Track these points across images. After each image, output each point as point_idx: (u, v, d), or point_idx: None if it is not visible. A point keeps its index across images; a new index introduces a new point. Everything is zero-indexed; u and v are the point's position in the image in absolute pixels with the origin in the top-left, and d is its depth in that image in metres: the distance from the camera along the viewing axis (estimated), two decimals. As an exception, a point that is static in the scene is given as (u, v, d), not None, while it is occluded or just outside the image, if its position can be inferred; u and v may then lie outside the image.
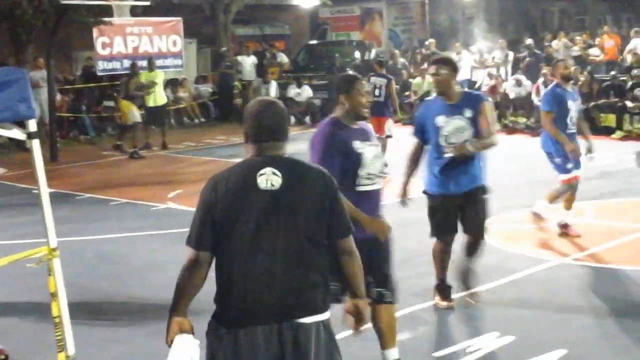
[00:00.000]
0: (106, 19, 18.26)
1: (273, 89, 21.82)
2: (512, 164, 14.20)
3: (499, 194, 11.52)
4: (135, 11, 19.13)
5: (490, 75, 20.17)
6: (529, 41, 21.81)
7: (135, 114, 16.89)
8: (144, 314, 7.17)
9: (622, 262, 8.11)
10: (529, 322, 6.60)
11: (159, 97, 17.71)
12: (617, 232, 9.28)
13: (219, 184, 3.58)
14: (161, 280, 8.15)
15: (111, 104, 21.00)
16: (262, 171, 3.54)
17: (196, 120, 22.70)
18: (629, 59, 19.53)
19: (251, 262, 3.52)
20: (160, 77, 18.05)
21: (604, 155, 14.39)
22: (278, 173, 3.54)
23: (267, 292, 3.51)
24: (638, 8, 27.80)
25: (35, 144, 5.02)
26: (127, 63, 19.87)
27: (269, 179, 3.53)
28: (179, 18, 20.85)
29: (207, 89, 23.80)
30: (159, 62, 20.54)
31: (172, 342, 3.64)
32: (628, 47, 20.18)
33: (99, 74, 20.00)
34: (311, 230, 3.56)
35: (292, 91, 21.80)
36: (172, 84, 22.70)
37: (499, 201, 11.05)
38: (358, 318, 3.75)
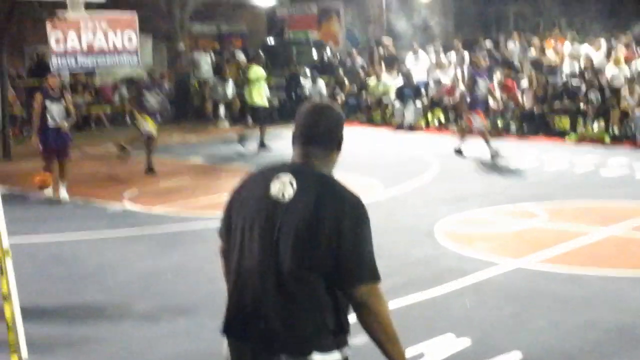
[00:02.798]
0: (60, 14, 17.97)
1: (230, 88, 21.73)
2: (468, 166, 14.33)
3: (455, 196, 11.67)
4: (89, 6, 18.86)
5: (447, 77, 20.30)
6: (488, 44, 21.97)
7: (147, 125, 14.65)
8: (98, 317, 7.08)
9: (577, 265, 8.21)
10: (484, 325, 6.64)
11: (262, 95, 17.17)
12: (570, 235, 9.39)
13: (245, 183, 3.29)
14: (115, 282, 8.08)
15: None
16: (280, 176, 3.14)
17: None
18: (568, 64, 19.86)
19: (234, 271, 3.21)
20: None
21: (559, 158, 14.61)
22: (295, 184, 3.11)
23: (244, 309, 3.16)
24: (591, 11, 28.20)
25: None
26: (81, 60, 19.65)
27: (282, 187, 3.11)
28: (134, 13, 20.59)
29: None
30: (113, 60, 20.37)
31: None
32: (567, 52, 20.48)
33: (53, 71, 19.66)
34: (305, 258, 3.04)
35: (249, 90, 21.68)
36: (126, 82, 22.49)
37: (455, 203, 11.19)
38: None
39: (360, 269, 3.06)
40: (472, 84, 14.95)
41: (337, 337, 3.14)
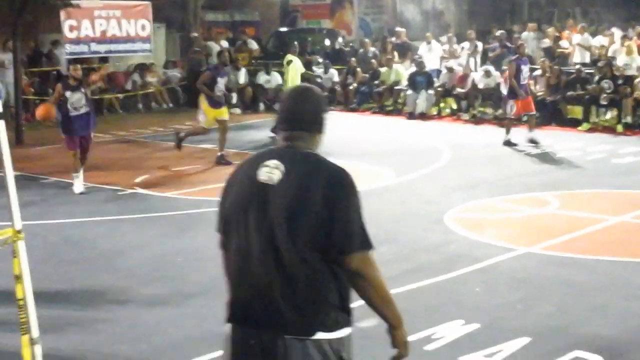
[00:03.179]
0: (74, 2, 18.03)
1: (242, 76, 21.75)
2: (479, 154, 14.30)
3: (466, 184, 11.66)
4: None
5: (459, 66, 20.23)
6: (499, 32, 21.88)
7: (205, 118, 13.96)
8: (108, 299, 7.14)
9: (586, 252, 8.20)
10: (493, 310, 6.65)
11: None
12: (581, 222, 9.38)
13: (234, 173, 3.38)
14: (126, 266, 8.13)
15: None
16: (267, 162, 3.23)
17: (164, 106, 22.55)
18: (580, 54, 19.81)
19: (234, 258, 3.29)
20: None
21: (571, 146, 14.57)
22: (282, 168, 3.19)
23: (246, 293, 3.23)
24: (606, 1, 28.05)
25: (1, 126, 4.94)
26: (94, 47, 19.71)
27: (270, 172, 3.19)
28: (148, 2, 20.66)
29: (175, 74, 23.65)
30: (126, 47, 20.42)
31: None
32: (575, 41, 20.42)
33: (66, 57, 19.77)
34: (299, 236, 3.11)
35: (262, 78, 21.74)
36: (140, 69, 22.55)
37: (466, 190, 11.18)
38: (397, 354, 3.31)
39: (351, 238, 3.13)
40: (516, 73, 14.80)
41: (340, 317, 3.20)
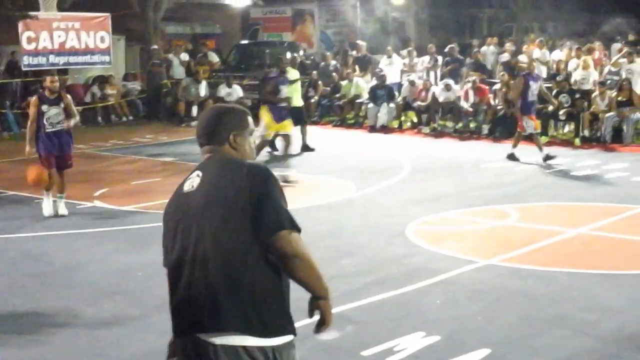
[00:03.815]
0: (32, 13, 17.85)
1: (203, 89, 21.68)
2: (440, 167, 14.39)
3: (427, 197, 11.72)
4: (62, 6, 18.78)
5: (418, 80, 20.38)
6: (449, 47, 22.10)
7: (265, 127, 13.55)
8: (67, 314, 7.04)
9: (545, 264, 8.28)
10: (454, 322, 6.68)
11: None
12: (540, 235, 9.47)
13: (170, 198, 3.55)
14: (86, 280, 8.04)
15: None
16: (191, 175, 3.47)
17: (124, 118, 22.39)
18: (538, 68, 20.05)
19: (170, 267, 3.41)
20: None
21: (530, 159, 14.72)
22: (201, 174, 3.41)
23: (181, 301, 3.35)
24: (564, 15, 28.50)
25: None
26: (53, 59, 19.51)
27: (192, 182, 3.41)
28: (107, 14, 20.53)
29: (135, 86, 23.51)
30: (85, 59, 20.26)
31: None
32: (534, 56, 20.70)
33: (24, 69, 19.56)
34: (226, 234, 3.23)
35: (223, 91, 21.66)
36: (99, 81, 22.38)
37: (427, 203, 11.24)
38: (320, 320, 3.38)
39: (277, 217, 3.22)
40: (525, 89, 14.61)
41: (279, 322, 3.27)
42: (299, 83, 16.91)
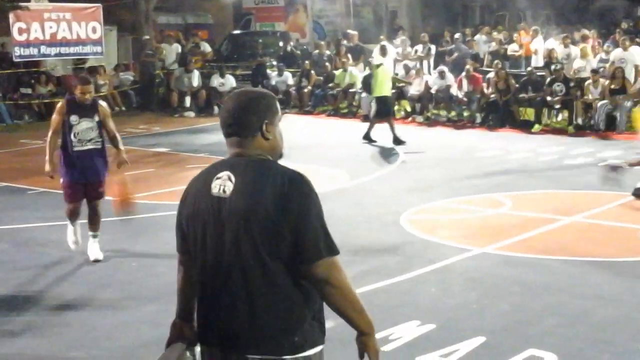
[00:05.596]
0: (23, 4, 17.77)
1: (195, 78, 21.63)
2: (434, 156, 14.39)
3: (421, 186, 11.72)
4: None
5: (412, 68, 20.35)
6: (456, 35, 22.05)
7: None
8: (61, 305, 7.02)
9: (540, 252, 8.29)
10: (449, 311, 6.69)
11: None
12: (535, 222, 9.48)
13: (188, 187, 3.24)
14: (80, 271, 8.02)
15: (28, 91, 20.51)
16: (219, 174, 3.10)
17: (117, 109, 22.31)
18: (533, 57, 20.07)
19: (201, 276, 3.17)
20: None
21: (523, 148, 14.74)
22: (233, 178, 3.07)
23: (211, 311, 3.15)
24: (556, 4, 28.46)
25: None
26: (44, 49, 19.44)
27: (223, 184, 3.07)
28: (99, 4, 20.47)
29: (128, 77, 23.43)
30: (77, 49, 20.19)
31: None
32: (530, 45, 20.72)
33: (15, 60, 19.48)
34: (259, 248, 2.99)
35: (216, 81, 21.63)
36: (90, 72, 22.30)
37: (421, 192, 11.24)
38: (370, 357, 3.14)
39: (315, 245, 2.99)
40: None
41: (308, 335, 3.08)
42: (383, 69, 16.15)
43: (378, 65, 16.18)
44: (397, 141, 15.46)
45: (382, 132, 16.64)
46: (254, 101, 3.17)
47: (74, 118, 8.09)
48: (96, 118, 8.20)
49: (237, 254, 3.02)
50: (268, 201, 2.98)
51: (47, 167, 8.25)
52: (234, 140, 3.15)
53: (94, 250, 8.32)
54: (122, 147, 8.44)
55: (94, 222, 8.41)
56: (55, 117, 8.24)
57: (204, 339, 3.21)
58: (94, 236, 8.39)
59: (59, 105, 8.36)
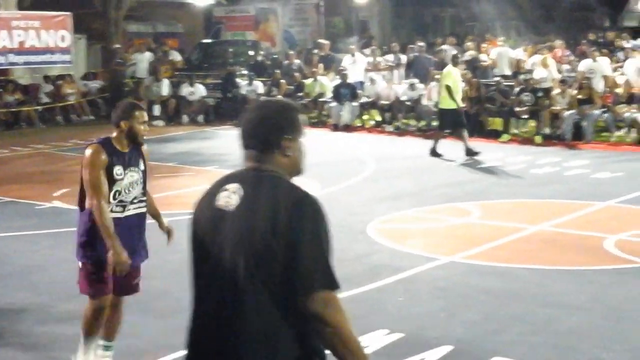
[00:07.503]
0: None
1: (165, 87, 21.55)
2: (403, 166, 14.44)
3: (390, 195, 11.75)
4: (22, 4, 18.57)
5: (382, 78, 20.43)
6: (420, 44, 22.14)
7: None
8: (26, 316, 6.94)
9: (507, 261, 8.34)
10: (417, 319, 6.70)
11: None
12: (502, 231, 9.54)
13: (202, 194, 3.02)
14: (45, 281, 7.93)
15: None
16: (227, 186, 2.90)
17: (84, 117, 22.17)
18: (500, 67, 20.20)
19: (195, 293, 2.94)
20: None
21: (492, 157, 14.83)
22: (241, 192, 2.86)
23: (200, 332, 2.91)
24: (525, 15, 28.75)
25: None
26: (12, 58, 19.27)
27: (228, 196, 2.87)
28: (68, 13, 20.33)
29: (96, 85, 23.30)
30: (45, 58, 20.04)
31: None
32: (497, 55, 20.83)
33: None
34: (253, 271, 2.74)
35: (185, 90, 21.56)
36: (52, 80, 22.15)
37: (390, 201, 11.26)
38: None
39: (310, 275, 2.72)
40: None
41: None
42: (457, 84, 15.37)
43: (448, 74, 15.37)
44: (470, 152, 15.03)
45: (353, 142, 16.69)
46: (276, 114, 2.97)
47: (117, 170, 5.36)
48: (142, 166, 5.54)
49: (236, 271, 2.78)
50: (267, 221, 2.75)
51: (124, 253, 5.29)
52: (250, 154, 2.94)
53: None
54: (164, 219, 5.85)
55: (111, 326, 5.70)
56: (93, 172, 5.30)
57: (190, 350, 2.97)
58: (107, 348, 5.72)
59: (92, 152, 5.38)
